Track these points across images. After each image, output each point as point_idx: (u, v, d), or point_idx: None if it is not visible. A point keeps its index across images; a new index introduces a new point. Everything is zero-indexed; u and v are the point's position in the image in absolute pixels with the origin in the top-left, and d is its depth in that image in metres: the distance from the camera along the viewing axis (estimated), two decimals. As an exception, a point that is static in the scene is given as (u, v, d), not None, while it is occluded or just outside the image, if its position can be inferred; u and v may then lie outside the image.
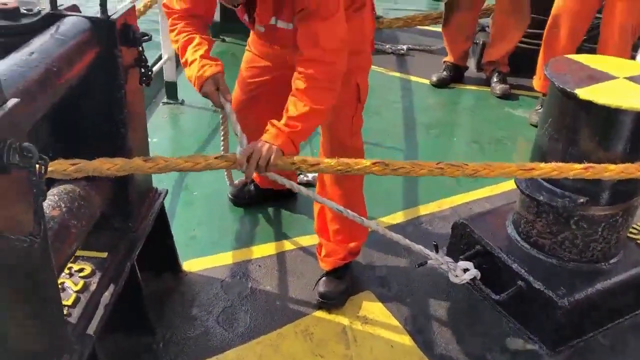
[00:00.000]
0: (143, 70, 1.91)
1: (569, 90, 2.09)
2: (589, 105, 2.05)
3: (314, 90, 1.93)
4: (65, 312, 1.67)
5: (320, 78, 1.93)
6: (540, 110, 3.80)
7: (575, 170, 1.77)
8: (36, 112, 1.36)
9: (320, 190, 2.43)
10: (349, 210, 2.05)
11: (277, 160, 1.88)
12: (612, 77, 2.19)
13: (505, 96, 4.40)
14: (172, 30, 2.12)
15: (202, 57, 2.02)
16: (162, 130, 3.73)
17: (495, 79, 4.49)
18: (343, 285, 2.44)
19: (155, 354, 2.14)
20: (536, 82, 4.03)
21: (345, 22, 1.98)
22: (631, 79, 2.18)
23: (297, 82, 1.95)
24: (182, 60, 2.09)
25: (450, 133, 3.96)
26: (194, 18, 2.11)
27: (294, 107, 1.93)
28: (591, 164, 1.85)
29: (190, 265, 2.57)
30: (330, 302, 2.39)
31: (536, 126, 2.44)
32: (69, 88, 1.58)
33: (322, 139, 2.35)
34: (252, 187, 2.96)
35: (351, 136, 2.31)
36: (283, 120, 1.94)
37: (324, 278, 2.45)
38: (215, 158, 1.91)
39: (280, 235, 2.82)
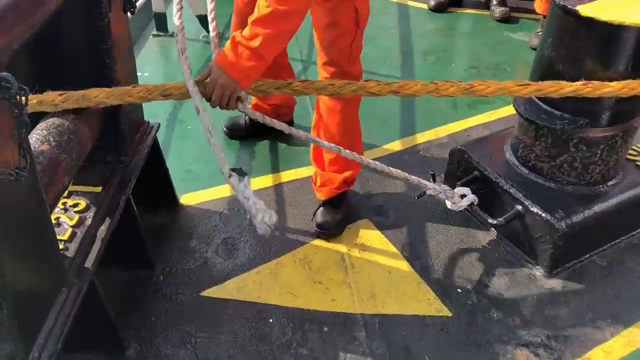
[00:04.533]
0: (126, -3, 1.83)
1: (569, 7, 2.01)
2: (590, 22, 1.97)
3: None
4: (61, 246, 1.67)
5: None
6: (540, 33, 3.71)
7: (573, 86, 1.72)
8: (13, 41, 1.30)
9: (317, 121, 2.38)
10: (345, 149, 2.00)
11: (241, 98, 1.78)
12: (616, -8, 2.10)
13: (504, 19, 4.29)
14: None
15: None
16: (152, 63, 3.65)
17: (494, 2, 4.37)
18: (339, 215, 2.44)
19: (156, 286, 2.17)
20: (537, 4, 3.90)
21: None
22: (635, -7, 2.10)
23: None
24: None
25: (448, 59, 3.88)
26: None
27: (257, 10, 1.74)
28: (590, 81, 1.79)
29: (188, 198, 2.56)
30: (328, 231, 2.40)
31: (536, 49, 2.37)
32: (47, 17, 1.51)
33: (319, 62, 2.25)
34: (247, 120, 2.92)
35: (350, 62, 2.21)
36: (246, 31, 1.74)
37: (320, 208, 2.45)
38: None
39: (277, 167, 2.80)
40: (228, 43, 1.78)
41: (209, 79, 1.77)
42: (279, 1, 1.72)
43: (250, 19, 1.76)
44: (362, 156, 2.05)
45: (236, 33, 1.77)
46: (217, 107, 1.80)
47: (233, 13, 2.50)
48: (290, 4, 1.75)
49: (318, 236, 2.41)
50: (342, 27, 2.11)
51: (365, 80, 1.86)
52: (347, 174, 2.43)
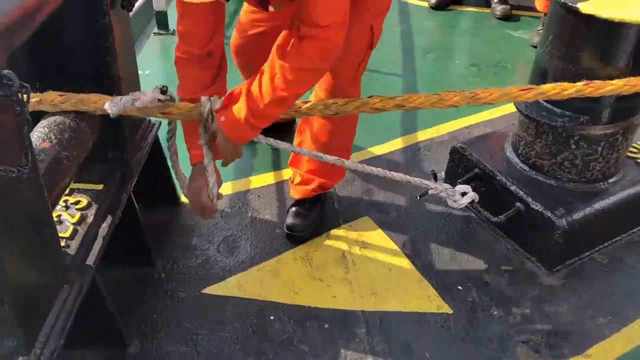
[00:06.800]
0: (125, -7, 1.84)
1: (570, 4, 2.01)
2: (590, 19, 1.98)
3: (300, 72, 1.69)
4: (63, 244, 1.67)
5: (311, 57, 1.67)
6: (541, 31, 3.71)
7: (575, 87, 1.72)
8: (13, 38, 1.30)
9: (303, 122, 2.33)
10: (327, 155, 1.94)
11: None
12: (616, -11, 2.10)
13: (505, 17, 4.29)
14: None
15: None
16: (154, 61, 3.65)
17: (495, 0, 4.36)
18: (311, 218, 2.39)
19: (157, 283, 2.17)
20: (538, 2, 3.91)
21: None
22: (636, -10, 2.10)
23: (288, 54, 1.68)
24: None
25: (449, 56, 3.88)
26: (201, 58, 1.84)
27: (270, 86, 1.69)
28: (592, 81, 1.80)
29: (189, 196, 2.56)
30: (297, 234, 2.36)
31: (537, 47, 2.37)
32: (49, 14, 1.51)
33: (317, 85, 2.15)
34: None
35: (352, 84, 2.14)
36: (256, 110, 1.73)
37: (292, 208, 2.40)
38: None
39: (278, 165, 2.80)
40: (235, 113, 1.75)
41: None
42: (295, 85, 1.71)
43: (262, 98, 1.72)
44: (344, 160, 1.98)
45: (245, 109, 1.73)
46: None
47: (235, 29, 2.43)
48: (305, 88, 1.79)
49: (287, 238, 2.38)
50: (354, 50, 1.99)
51: (369, 97, 1.85)
52: (325, 180, 2.38)
